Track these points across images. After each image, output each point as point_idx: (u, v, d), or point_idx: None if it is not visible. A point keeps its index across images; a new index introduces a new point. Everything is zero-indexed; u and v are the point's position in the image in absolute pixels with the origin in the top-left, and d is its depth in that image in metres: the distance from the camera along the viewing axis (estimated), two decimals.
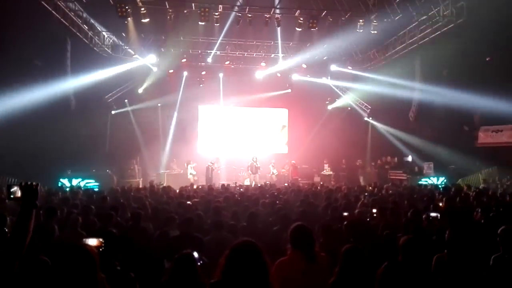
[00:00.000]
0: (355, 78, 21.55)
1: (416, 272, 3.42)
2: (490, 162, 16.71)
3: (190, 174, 18.89)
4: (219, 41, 18.58)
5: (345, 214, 6.61)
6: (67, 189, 12.55)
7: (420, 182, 15.93)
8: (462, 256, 3.45)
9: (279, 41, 18.67)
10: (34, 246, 3.19)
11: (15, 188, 2.66)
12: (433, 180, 16.53)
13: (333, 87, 22.27)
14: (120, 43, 18.71)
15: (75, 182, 15.16)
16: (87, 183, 15.35)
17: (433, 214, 5.99)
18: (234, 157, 21.15)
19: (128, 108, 20.07)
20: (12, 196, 2.67)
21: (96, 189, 13.21)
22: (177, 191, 11.67)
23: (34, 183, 2.63)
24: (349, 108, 22.35)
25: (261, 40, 18.86)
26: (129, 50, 18.81)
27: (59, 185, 14.58)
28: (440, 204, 8.06)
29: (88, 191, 11.75)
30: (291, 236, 3.73)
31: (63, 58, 16.27)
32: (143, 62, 19.16)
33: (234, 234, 5.48)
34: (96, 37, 17.35)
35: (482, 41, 14.96)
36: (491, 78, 15.84)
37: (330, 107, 22.21)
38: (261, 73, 21.01)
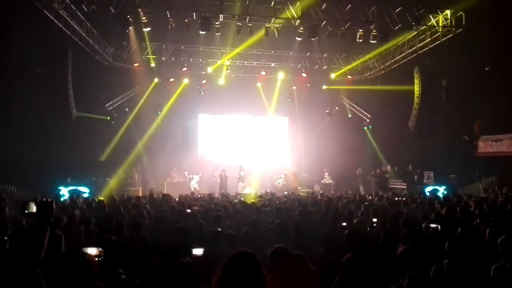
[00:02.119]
0: (354, 87, 21.66)
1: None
2: (490, 172, 16.69)
3: (192, 185, 18.99)
4: (219, 50, 18.74)
5: (344, 224, 6.58)
6: (63, 198, 12.46)
7: (428, 191, 15.82)
8: (461, 266, 3.45)
9: (280, 50, 18.80)
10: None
11: (31, 204, 2.71)
12: (439, 189, 16.41)
13: (333, 96, 22.35)
14: (121, 52, 18.83)
15: (64, 190, 14.84)
16: (76, 190, 15.00)
17: (433, 225, 5.97)
18: (234, 166, 21.12)
19: (129, 116, 20.09)
20: (27, 211, 2.71)
21: (86, 196, 13.13)
22: (177, 199, 11.62)
23: (49, 200, 2.67)
24: (350, 116, 22.40)
25: (261, 49, 18.97)
26: (130, 58, 18.91)
27: (57, 192, 14.50)
28: (441, 214, 8.03)
29: (87, 200, 11.69)
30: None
31: (64, 66, 16.35)
32: (144, 70, 19.25)
33: (233, 244, 5.46)
34: (97, 45, 17.44)
35: (481, 51, 15.04)
36: (491, 87, 15.90)
37: (329, 115, 22.25)
38: (261, 81, 21.11)
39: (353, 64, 20.51)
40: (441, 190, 16.04)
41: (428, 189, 16.25)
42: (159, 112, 20.76)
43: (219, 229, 5.81)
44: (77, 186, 15.34)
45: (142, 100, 20.45)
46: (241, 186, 19.07)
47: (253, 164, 21.35)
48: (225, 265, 2.44)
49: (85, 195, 13.71)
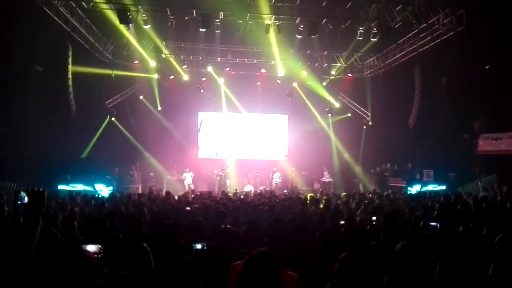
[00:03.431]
0: (355, 85, 21.65)
1: (413, 279, 3.42)
2: (490, 170, 16.69)
3: (186, 182, 19.09)
4: (219, 48, 18.73)
5: (342, 222, 6.59)
6: (64, 195, 12.48)
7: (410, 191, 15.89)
8: (460, 264, 3.44)
9: (280, 48, 18.76)
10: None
11: (22, 194, 2.68)
12: (431, 187, 16.43)
13: (333, 94, 22.32)
14: (121, 49, 18.81)
15: (70, 187, 14.95)
16: (84, 190, 15.13)
17: (432, 223, 5.99)
18: (233, 164, 21.16)
19: (129, 114, 20.07)
20: (19, 202, 2.69)
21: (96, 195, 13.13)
22: (176, 197, 11.64)
23: (41, 189, 2.63)
24: (349, 115, 22.40)
25: (262, 46, 18.94)
26: (130, 56, 18.89)
27: (57, 189, 14.51)
28: (440, 212, 8.04)
29: (86, 197, 11.70)
30: None
31: (64, 63, 16.33)
32: (144, 68, 19.24)
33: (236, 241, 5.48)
34: (97, 43, 17.42)
35: (482, 49, 15.03)
36: (491, 86, 15.89)
37: (330, 113, 22.26)
38: (261, 79, 21.11)
39: (353, 61, 20.48)
40: (430, 188, 16.07)
41: (416, 188, 16.26)
42: (159, 109, 20.76)
43: (224, 226, 5.80)
44: (76, 183, 15.39)
45: (141, 97, 20.45)
46: (228, 184, 19.03)
47: (253, 162, 21.43)
48: (245, 264, 2.41)
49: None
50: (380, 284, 3.54)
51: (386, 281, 3.39)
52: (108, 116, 18.88)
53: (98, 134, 18.65)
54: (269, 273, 2.35)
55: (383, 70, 20.02)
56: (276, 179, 20.23)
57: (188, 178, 19.43)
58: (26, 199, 2.64)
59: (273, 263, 2.40)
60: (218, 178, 19.31)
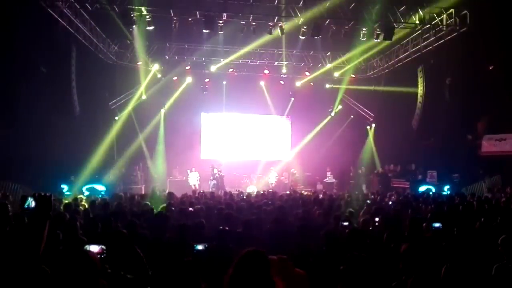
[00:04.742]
0: (358, 86, 21.61)
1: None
2: (494, 171, 16.60)
3: (192, 181, 19.02)
4: (223, 49, 18.76)
5: (345, 223, 6.57)
6: (68, 195, 12.54)
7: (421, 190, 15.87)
8: (464, 266, 3.44)
9: (283, 49, 18.79)
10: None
11: (29, 199, 2.70)
12: (433, 188, 16.42)
13: (336, 95, 22.30)
14: (125, 50, 18.87)
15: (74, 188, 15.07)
16: (87, 189, 15.24)
17: (435, 225, 5.97)
18: (236, 164, 21.18)
19: (132, 115, 20.11)
20: (26, 206, 2.71)
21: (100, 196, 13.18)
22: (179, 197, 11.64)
23: (47, 194, 2.66)
24: (352, 116, 22.36)
25: (265, 48, 18.96)
26: (134, 57, 18.94)
27: (61, 190, 14.56)
28: (444, 213, 8.02)
29: (90, 197, 11.74)
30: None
31: (68, 64, 16.39)
32: (148, 69, 19.29)
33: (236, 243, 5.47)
34: (101, 44, 17.49)
35: (485, 50, 14.98)
36: (495, 86, 15.82)
37: (333, 114, 22.23)
38: (264, 80, 21.12)
39: (356, 62, 20.42)
40: (433, 190, 16.04)
41: (421, 188, 16.26)
42: (162, 110, 20.79)
43: (226, 228, 5.79)
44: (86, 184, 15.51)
45: (145, 98, 20.48)
46: (212, 185, 18.89)
47: (255, 162, 21.43)
48: (236, 263, 2.42)
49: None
50: (385, 285, 3.54)
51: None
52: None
53: (114, 133, 18.71)
54: (258, 272, 2.36)
55: (386, 70, 20.00)
56: (272, 179, 20.20)
57: (193, 178, 19.35)
58: (33, 204, 2.67)
59: (262, 262, 2.40)
60: (215, 181, 19.10)
